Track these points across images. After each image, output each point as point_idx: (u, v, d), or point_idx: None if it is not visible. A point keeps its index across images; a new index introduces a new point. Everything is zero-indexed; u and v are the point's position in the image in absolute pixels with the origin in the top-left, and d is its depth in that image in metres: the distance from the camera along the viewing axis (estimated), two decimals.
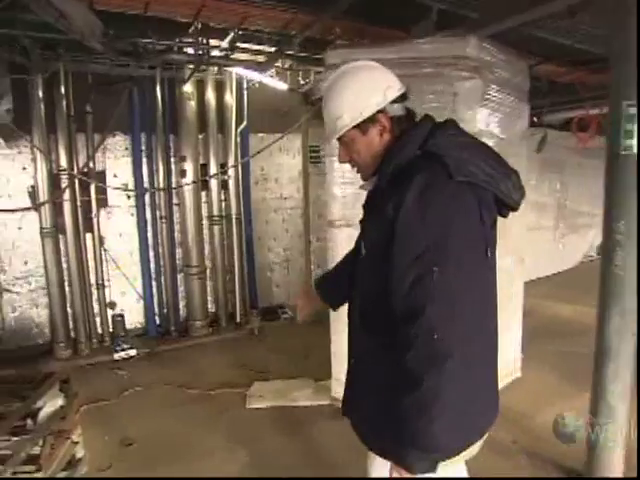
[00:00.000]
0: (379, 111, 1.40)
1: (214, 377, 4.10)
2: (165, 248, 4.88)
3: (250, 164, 5.28)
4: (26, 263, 4.55)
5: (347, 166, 1.58)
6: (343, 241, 3.08)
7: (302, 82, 4.54)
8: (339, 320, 3.28)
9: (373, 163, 1.46)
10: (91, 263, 4.70)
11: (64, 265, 4.54)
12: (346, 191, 3.09)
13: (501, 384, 3.64)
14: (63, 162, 4.35)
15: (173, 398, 3.77)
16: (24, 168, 4.43)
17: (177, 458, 2.99)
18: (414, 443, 1.28)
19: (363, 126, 1.41)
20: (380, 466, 1.53)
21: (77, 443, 2.78)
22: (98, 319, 4.81)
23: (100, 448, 3.09)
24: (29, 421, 2.43)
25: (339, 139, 1.49)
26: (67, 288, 4.58)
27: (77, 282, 4.56)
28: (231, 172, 5.02)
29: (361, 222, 1.58)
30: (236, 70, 4.46)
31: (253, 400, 3.61)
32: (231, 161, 4.99)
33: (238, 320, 5.18)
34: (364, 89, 1.40)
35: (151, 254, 4.88)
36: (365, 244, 1.49)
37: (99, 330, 4.83)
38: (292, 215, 5.74)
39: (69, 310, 4.61)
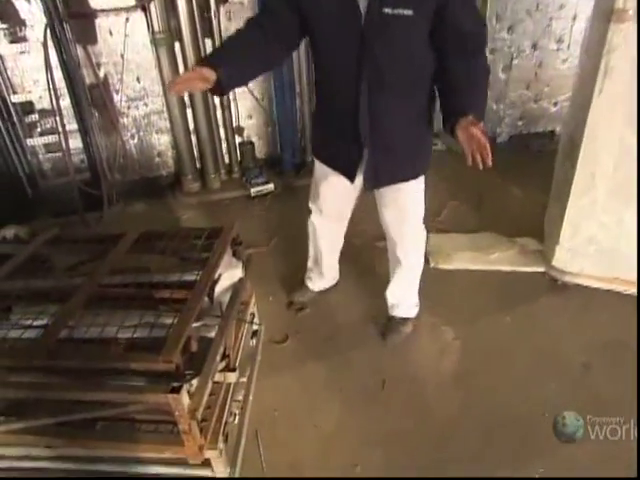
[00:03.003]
0: None
1: (373, 223, 3.38)
2: (301, 60, 3.84)
3: None
4: (139, 80, 3.75)
5: None
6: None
7: None
8: (588, 175, 2.33)
9: None
10: None
11: None
12: None
13: None
14: None
15: None
16: None
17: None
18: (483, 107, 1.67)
19: None
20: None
21: (252, 314, 2.27)
22: (224, 147, 4.12)
23: (269, 313, 2.59)
24: (206, 298, 1.85)
25: None
26: (188, 110, 3.82)
27: (200, 102, 3.75)
28: None
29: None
30: None
31: (439, 259, 2.91)
32: None
33: None
34: None
35: (284, 68, 3.89)
36: (405, 9, 1.52)
37: (226, 160, 4.18)
38: None
39: (193, 137, 3.93)
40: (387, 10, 1.52)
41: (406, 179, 1.94)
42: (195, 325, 1.73)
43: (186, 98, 3.74)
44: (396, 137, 1.83)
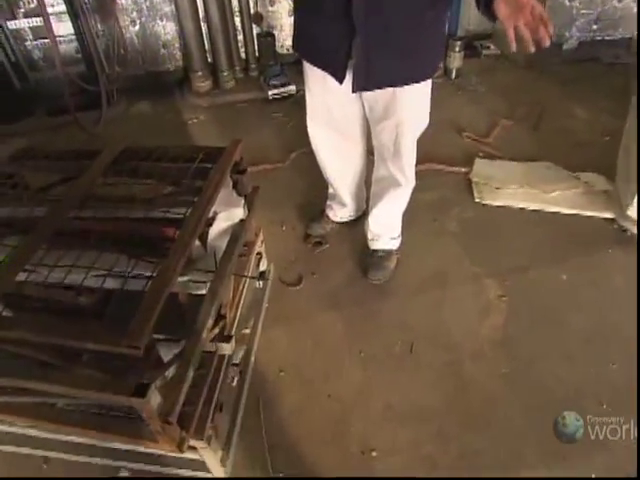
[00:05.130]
0: None
1: None
2: None
3: None
4: None
5: None
6: None
7: None
8: None
9: None
10: None
11: None
12: None
13: None
14: None
15: None
16: None
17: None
18: None
19: None
20: None
21: (259, 255, 1.90)
22: (240, 39, 3.53)
23: (280, 246, 2.23)
24: (197, 243, 1.47)
25: None
26: None
27: None
28: None
29: None
30: None
31: (485, 192, 2.44)
32: None
33: None
34: None
35: None
36: None
37: (242, 55, 3.60)
38: None
39: (203, 25, 3.34)
40: None
41: (405, 82, 1.56)
42: (181, 280, 1.38)
43: None
44: (397, 23, 1.43)
